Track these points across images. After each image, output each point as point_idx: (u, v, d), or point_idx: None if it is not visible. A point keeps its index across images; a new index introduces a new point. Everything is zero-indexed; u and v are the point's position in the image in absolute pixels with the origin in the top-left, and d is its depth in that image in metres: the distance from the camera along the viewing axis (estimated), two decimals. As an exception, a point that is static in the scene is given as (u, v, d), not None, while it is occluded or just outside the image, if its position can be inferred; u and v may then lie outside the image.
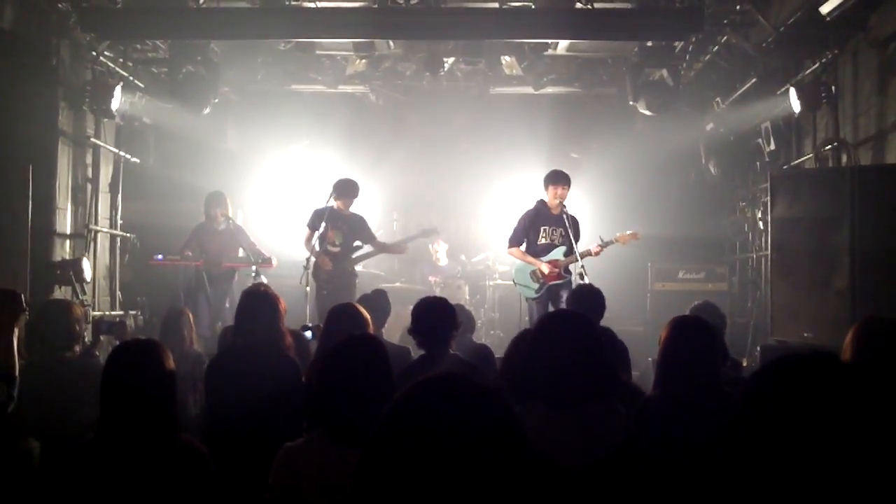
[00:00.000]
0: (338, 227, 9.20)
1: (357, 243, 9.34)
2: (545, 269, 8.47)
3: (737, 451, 1.53)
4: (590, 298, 6.15)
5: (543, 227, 8.63)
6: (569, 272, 8.43)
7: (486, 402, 1.54)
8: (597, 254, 8.50)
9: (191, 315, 6.84)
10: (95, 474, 3.03)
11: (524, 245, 8.74)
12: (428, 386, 1.56)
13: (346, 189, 9.24)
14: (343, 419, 3.00)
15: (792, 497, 1.43)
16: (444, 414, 1.49)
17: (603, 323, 6.24)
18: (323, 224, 9.05)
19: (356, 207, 9.50)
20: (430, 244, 11.96)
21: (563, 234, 8.49)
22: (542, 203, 8.70)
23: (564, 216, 8.48)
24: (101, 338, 6.21)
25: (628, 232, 8.69)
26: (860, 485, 1.41)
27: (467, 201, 13.02)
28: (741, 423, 1.56)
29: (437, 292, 10.30)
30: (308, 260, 8.95)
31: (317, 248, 9.07)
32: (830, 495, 1.41)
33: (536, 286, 8.56)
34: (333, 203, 9.15)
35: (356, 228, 9.33)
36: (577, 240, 8.49)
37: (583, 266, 8.24)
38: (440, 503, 1.42)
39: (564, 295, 8.18)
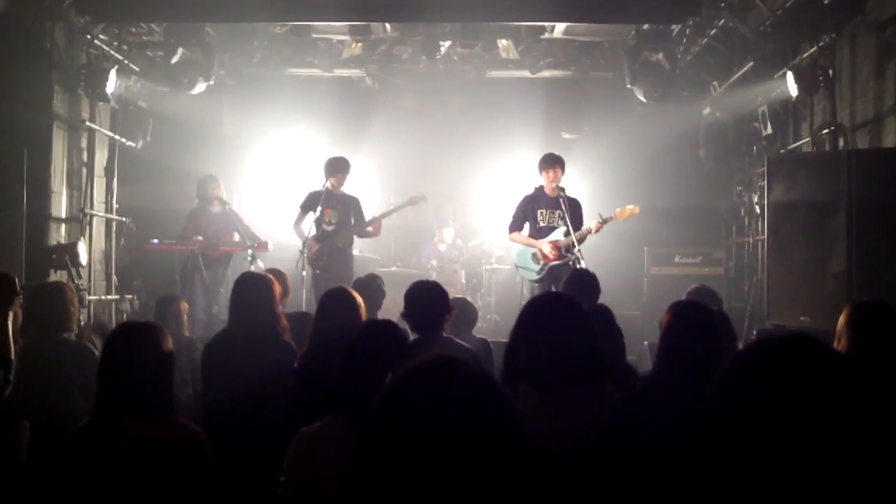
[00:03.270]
0: (333, 207, 9.21)
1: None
2: (545, 249, 8.50)
3: (718, 436, 1.54)
4: (584, 283, 6.16)
5: (540, 210, 8.67)
6: (570, 252, 8.40)
7: (477, 386, 1.54)
8: (597, 230, 8.46)
9: (185, 303, 6.85)
10: (92, 454, 3.04)
11: (525, 230, 8.78)
12: (421, 370, 1.56)
13: (335, 166, 9.25)
14: (364, 404, 2.99)
15: (773, 480, 1.43)
16: (436, 398, 1.50)
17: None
18: (319, 206, 9.06)
19: (353, 189, 9.50)
20: (437, 228, 11.99)
21: (562, 215, 8.50)
22: (538, 188, 8.78)
23: (561, 199, 8.49)
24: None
25: (628, 206, 8.65)
26: (838, 470, 1.41)
27: (464, 185, 13.01)
28: (719, 407, 1.56)
29: (434, 276, 10.30)
30: (304, 244, 8.96)
31: (312, 230, 9.09)
32: (809, 479, 1.41)
33: (538, 268, 8.59)
34: (328, 184, 9.16)
35: (351, 208, 9.34)
36: (578, 222, 8.50)
37: (579, 250, 8.23)
38: (433, 486, 1.42)
39: (565, 275, 8.18)
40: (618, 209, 8.62)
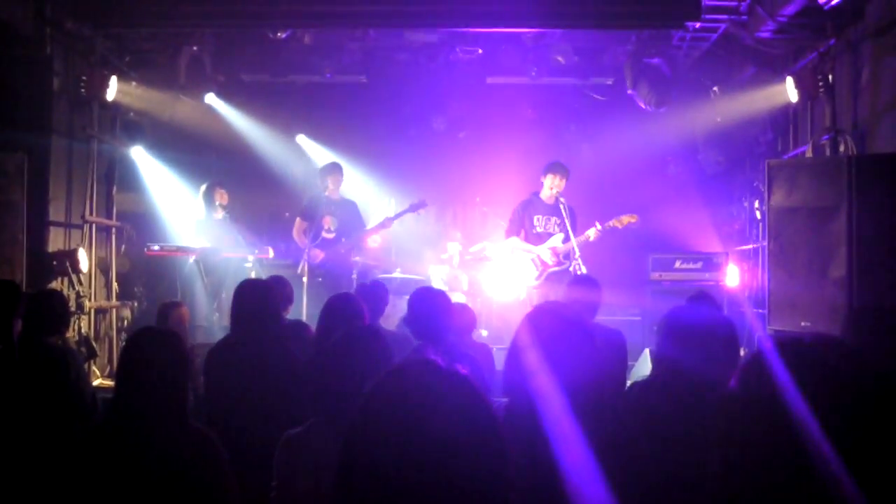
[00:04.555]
0: (331, 213, 9.25)
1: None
2: (545, 255, 8.54)
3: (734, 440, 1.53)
4: (586, 289, 6.16)
5: (536, 216, 8.72)
6: (568, 259, 8.44)
7: (455, 386, 1.55)
8: (595, 238, 8.50)
9: (186, 310, 6.87)
10: (110, 456, 3.06)
11: (521, 235, 8.81)
12: (400, 372, 1.58)
13: (330, 172, 9.31)
14: (344, 408, 3.01)
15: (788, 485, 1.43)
16: (416, 398, 1.52)
17: (601, 313, 6.27)
18: (318, 213, 9.09)
19: (351, 193, 9.53)
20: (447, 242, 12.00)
21: (559, 222, 8.56)
22: (534, 194, 8.83)
23: (560, 205, 8.54)
24: None
25: (625, 216, 8.70)
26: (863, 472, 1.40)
27: (465, 190, 13.01)
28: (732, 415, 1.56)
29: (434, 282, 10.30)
30: (306, 251, 8.98)
31: (311, 238, 9.11)
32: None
33: (536, 273, 8.62)
34: (324, 190, 9.20)
35: (349, 213, 9.37)
36: (574, 230, 8.53)
37: (578, 257, 8.26)
38: (415, 485, 1.43)
39: (564, 282, 8.21)
40: (615, 219, 8.67)
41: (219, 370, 4.67)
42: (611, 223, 8.59)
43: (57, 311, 5.46)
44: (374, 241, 9.61)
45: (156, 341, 3.33)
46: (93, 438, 3.15)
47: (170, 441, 3.10)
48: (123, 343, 3.50)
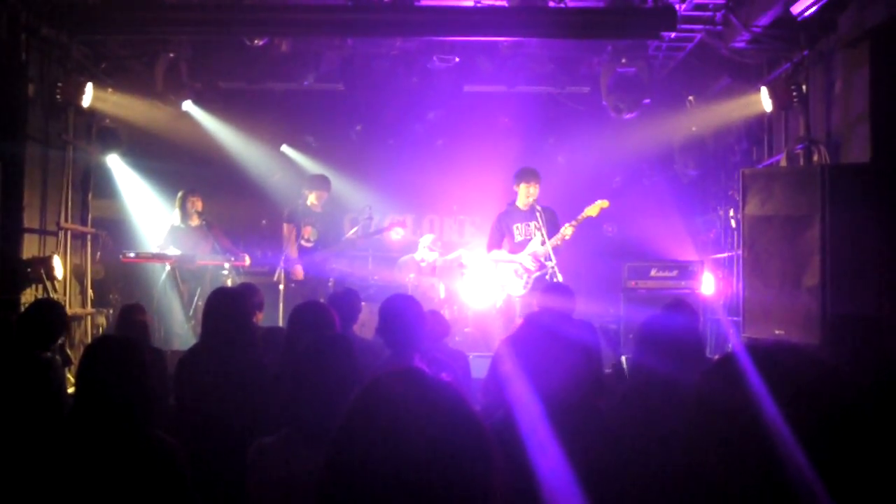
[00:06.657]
0: (312, 224, 9.27)
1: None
2: (527, 262, 8.56)
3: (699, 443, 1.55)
4: (559, 297, 6.19)
5: (516, 224, 8.75)
6: (549, 259, 8.45)
7: (440, 394, 1.55)
8: (571, 234, 8.50)
9: (148, 314, 6.81)
10: (67, 466, 3.02)
11: (504, 246, 8.83)
12: (387, 381, 1.58)
13: (317, 183, 9.34)
14: (313, 419, 3.00)
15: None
16: (404, 407, 1.51)
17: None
18: (299, 222, 9.11)
19: (332, 204, 9.54)
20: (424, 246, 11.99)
21: (537, 226, 8.57)
22: (510, 204, 8.87)
23: (536, 210, 8.57)
24: None
25: (596, 202, 8.71)
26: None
27: (442, 198, 13.03)
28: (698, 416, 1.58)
29: (410, 290, 10.30)
30: (283, 257, 8.97)
31: (293, 248, 9.14)
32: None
33: (523, 281, 8.62)
34: (307, 200, 9.21)
35: (330, 225, 9.39)
36: (555, 230, 8.54)
37: (554, 266, 8.29)
38: (405, 493, 1.43)
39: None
40: (586, 208, 8.69)
41: (189, 378, 4.66)
42: (583, 215, 8.60)
43: (55, 323, 5.44)
44: (396, 234, 9.73)
45: (113, 350, 3.29)
46: (50, 449, 3.12)
47: (127, 452, 3.07)
48: (81, 353, 3.42)
